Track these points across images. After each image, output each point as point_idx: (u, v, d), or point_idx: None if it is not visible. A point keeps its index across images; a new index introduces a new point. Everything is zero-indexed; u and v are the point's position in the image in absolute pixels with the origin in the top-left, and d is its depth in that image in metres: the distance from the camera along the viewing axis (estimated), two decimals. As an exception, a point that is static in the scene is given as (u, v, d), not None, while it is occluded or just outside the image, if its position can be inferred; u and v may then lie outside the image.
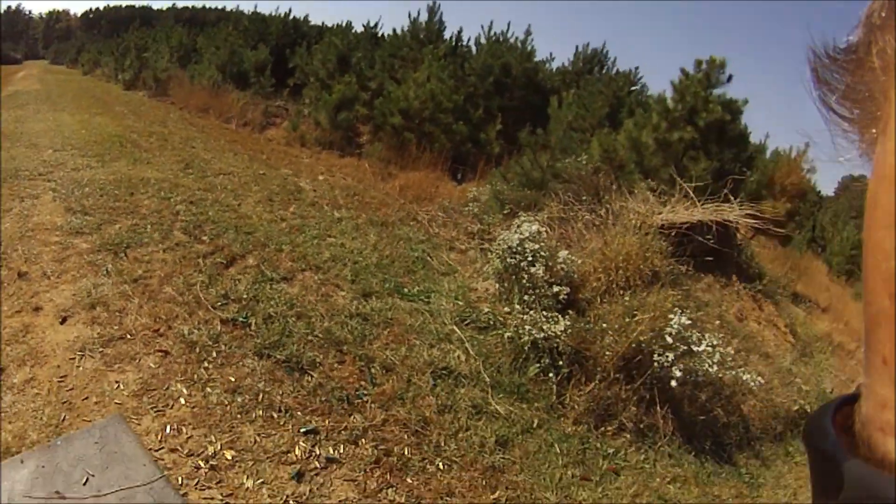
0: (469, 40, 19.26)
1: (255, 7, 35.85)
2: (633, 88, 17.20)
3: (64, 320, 5.15)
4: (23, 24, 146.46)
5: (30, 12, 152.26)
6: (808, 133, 0.51)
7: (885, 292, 0.37)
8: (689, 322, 6.11)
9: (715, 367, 6.00)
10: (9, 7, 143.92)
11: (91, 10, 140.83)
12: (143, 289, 5.77)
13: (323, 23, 28.90)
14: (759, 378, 6.65)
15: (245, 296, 5.91)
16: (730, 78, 10.81)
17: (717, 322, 8.00)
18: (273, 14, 27.69)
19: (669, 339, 5.83)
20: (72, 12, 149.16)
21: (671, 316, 6.05)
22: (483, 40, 17.97)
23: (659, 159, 10.72)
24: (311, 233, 8.13)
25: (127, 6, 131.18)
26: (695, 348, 5.97)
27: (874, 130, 0.42)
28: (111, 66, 36.80)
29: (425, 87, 14.23)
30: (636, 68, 17.91)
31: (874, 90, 0.42)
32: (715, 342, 6.18)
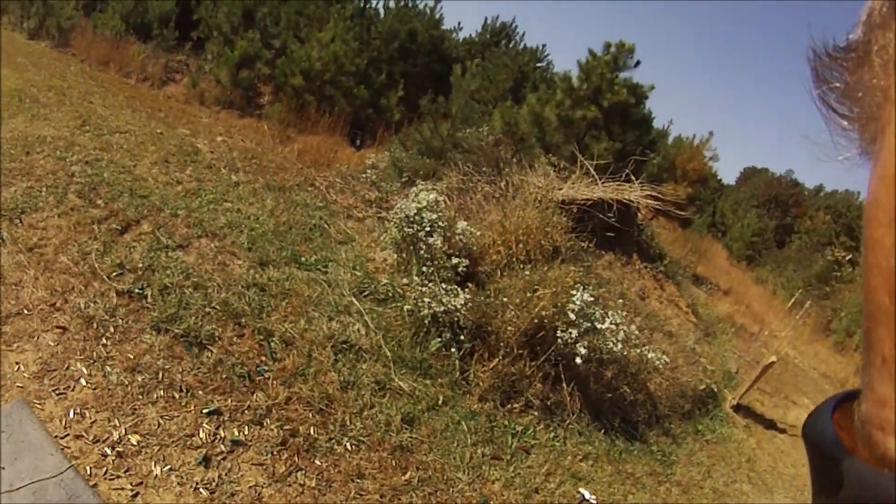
0: (377, 2, 19.05)
1: None
2: (539, 65, 17.30)
3: (-40, 294, 4.94)
4: None
5: None
6: (806, 133, 0.49)
7: (884, 290, 0.37)
8: (592, 299, 6.21)
9: (620, 345, 6.14)
10: None
11: None
12: (38, 258, 5.55)
13: (229, -26, 28.23)
14: (665, 357, 6.82)
15: (140, 265, 5.74)
16: (637, 63, 11.00)
17: (620, 300, 8.15)
18: None
19: (572, 316, 5.93)
20: None
21: (573, 292, 6.13)
22: (391, 4, 17.62)
23: (561, 136, 10.85)
24: (207, 197, 7.86)
25: None
26: (598, 325, 6.08)
27: (874, 129, 0.42)
28: (17, 13, 35.53)
29: (329, 48, 14.00)
30: (543, 45, 18.05)
31: (874, 89, 0.42)
32: (618, 320, 6.32)
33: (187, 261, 6.11)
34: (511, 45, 19.06)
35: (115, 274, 5.49)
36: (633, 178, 9.36)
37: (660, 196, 9.57)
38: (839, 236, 29.86)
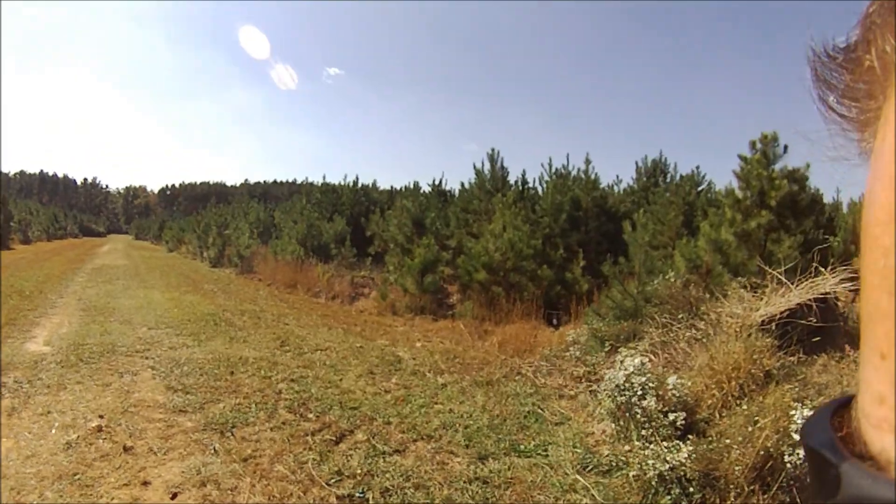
0: (534, 181, 19.52)
1: (324, 177, 37.40)
2: (701, 189, 17.09)
3: (174, 496, 5.28)
4: (101, 198, 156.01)
5: (107, 186, 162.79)
6: (806, 134, 0.52)
7: (882, 289, 0.39)
8: (812, 412, 5.96)
9: (849, 447, 5.84)
10: (85, 179, 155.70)
11: (168, 186, 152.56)
12: (253, 467, 5.90)
13: (392, 186, 29.98)
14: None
15: (359, 471, 5.95)
16: (786, 148, 10.77)
17: (841, 400, 7.77)
18: (342, 183, 28.92)
19: (796, 437, 5.66)
20: (149, 188, 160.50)
21: (792, 412, 5.92)
22: (547, 178, 18.07)
23: (743, 253, 10.60)
24: (417, 402, 8.22)
25: (202, 182, 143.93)
26: (824, 436, 5.81)
27: (873, 129, 0.44)
28: (195, 243, 39.41)
29: (503, 237, 14.42)
30: (697, 167, 17.91)
31: (873, 89, 0.44)
32: (842, 422, 6.02)
33: (405, 464, 6.27)
34: (668, 180, 19.08)
35: (333, 480, 5.73)
36: (821, 269, 9.09)
37: (854, 274, 9.21)
38: None
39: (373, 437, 6.87)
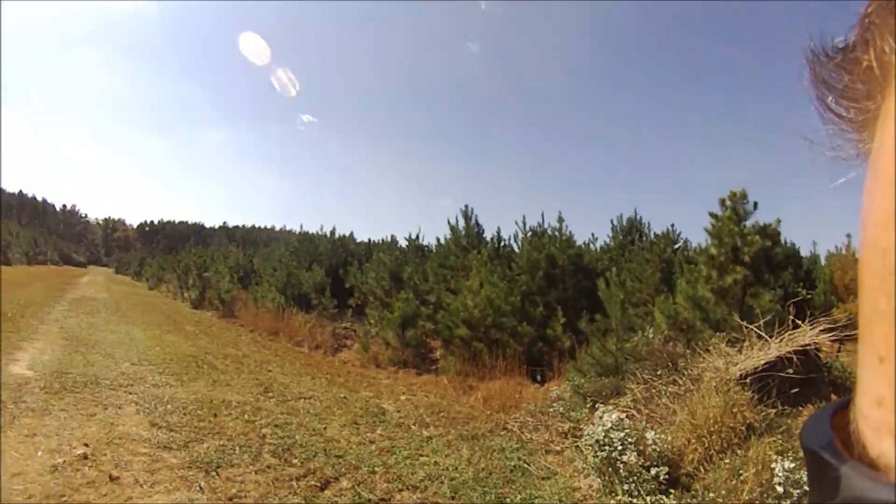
0: (509, 238, 19.68)
1: (301, 226, 37.19)
2: (677, 246, 17.33)
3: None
4: (81, 226, 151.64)
5: (86, 215, 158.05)
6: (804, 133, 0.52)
7: (881, 290, 0.38)
8: (794, 465, 6.06)
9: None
10: (64, 206, 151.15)
11: (146, 222, 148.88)
12: None
13: (369, 239, 30.19)
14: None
15: None
16: (755, 205, 10.92)
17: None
18: (319, 233, 28.98)
19: (780, 489, 5.76)
20: (127, 222, 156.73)
21: (773, 465, 6.01)
22: (522, 235, 18.16)
23: (722, 308, 10.67)
24: (402, 453, 8.16)
25: (180, 222, 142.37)
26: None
27: (871, 129, 0.44)
28: (175, 283, 39.36)
29: (480, 294, 14.50)
30: (672, 226, 18.22)
31: (872, 90, 0.44)
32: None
33: (392, 513, 6.23)
34: (644, 239, 19.36)
35: (320, 525, 5.63)
36: (798, 322, 9.18)
37: (833, 325, 9.33)
38: None
39: (358, 486, 6.84)
